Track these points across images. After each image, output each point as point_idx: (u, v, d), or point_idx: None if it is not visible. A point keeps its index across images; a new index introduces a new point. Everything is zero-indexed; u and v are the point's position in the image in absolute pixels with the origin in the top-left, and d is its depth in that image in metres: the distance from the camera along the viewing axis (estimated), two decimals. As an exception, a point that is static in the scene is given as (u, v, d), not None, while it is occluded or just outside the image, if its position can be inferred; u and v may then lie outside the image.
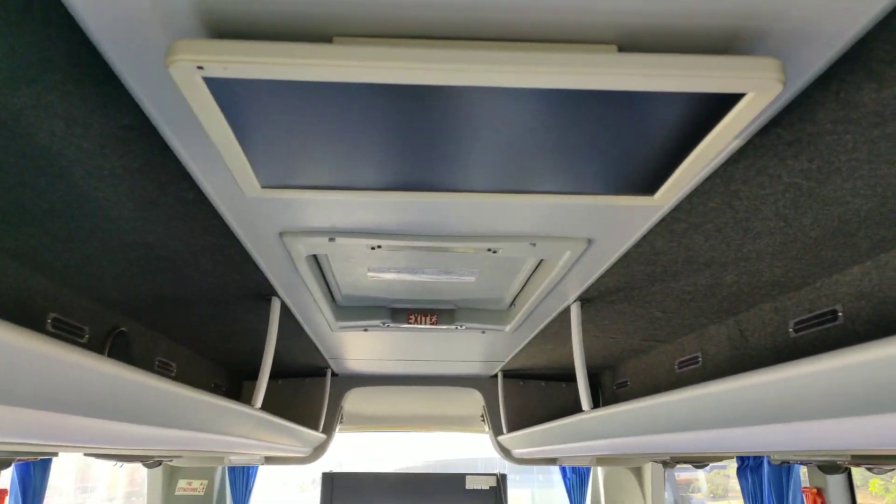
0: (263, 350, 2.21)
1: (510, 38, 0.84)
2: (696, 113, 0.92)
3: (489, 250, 1.62)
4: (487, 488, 4.28)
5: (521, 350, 3.15)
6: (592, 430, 2.35)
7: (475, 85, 0.83)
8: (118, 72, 0.91)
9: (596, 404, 2.21)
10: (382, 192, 1.20)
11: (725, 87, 0.82)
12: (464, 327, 2.53)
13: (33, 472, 2.66)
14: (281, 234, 1.55)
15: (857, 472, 2.80)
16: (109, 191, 1.28)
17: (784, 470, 2.90)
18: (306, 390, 3.98)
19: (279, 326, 2.33)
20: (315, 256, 1.90)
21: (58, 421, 1.26)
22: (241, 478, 4.35)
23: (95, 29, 0.82)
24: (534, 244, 1.58)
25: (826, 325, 1.79)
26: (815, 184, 1.24)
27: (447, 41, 0.83)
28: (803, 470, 2.88)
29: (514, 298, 2.35)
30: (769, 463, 2.97)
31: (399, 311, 2.48)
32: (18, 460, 2.31)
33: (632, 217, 1.43)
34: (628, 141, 1.01)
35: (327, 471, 4.33)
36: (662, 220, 1.44)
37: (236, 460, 3.85)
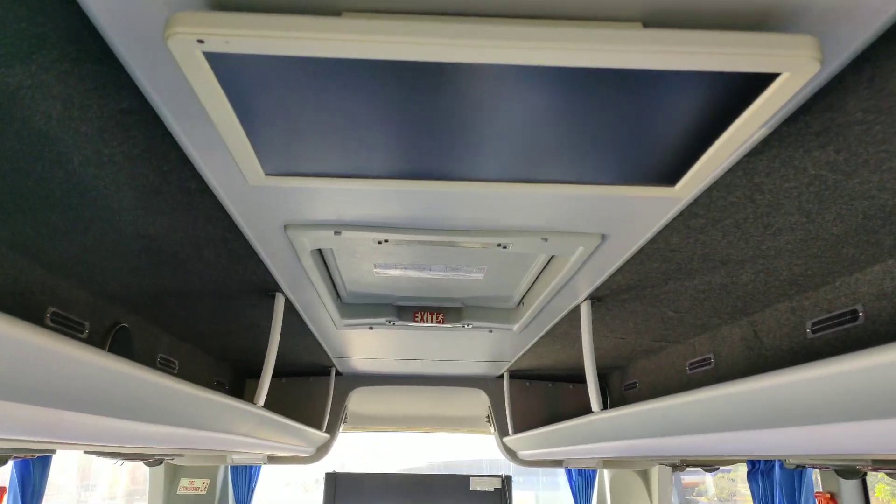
0: (267, 347, 2.17)
1: (528, 14, 0.79)
2: (722, 97, 0.87)
3: (499, 245, 1.58)
4: (492, 490, 4.23)
5: (528, 350, 3.10)
6: (602, 431, 2.30)
7: (490, 62, 0.78)
8: (116, 50, 0.86)
9: (604, 406, 2.17)
10: (390, 181, 1.15)
11: (759, 65, 0.77)
12: (471, 326, 2.49)
13: (32, 469, 2.63)
14: (285, 227, 1.51)
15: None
16: (109, 178, 1.23)
17: (796, 474, 2.84)
18: (310, 389, 3.95)
19: (284, 323, 2.29)
20: (320, 251, 1.86)
21: (56, 417, 1.23)
22: (244, 477, 4.31)
23: (92, 2, 0.78)
24: (545, 239, 1.53)
25: (846, 326, 1.74)
26: (841, 177, 1.19)
27: (461, 17, 0.79)
28: (816, 474, 2.83)
29: (523, 297, 2.31)
30: (781, 467, 2.91)
31: (405, 309, 2.44)
32: (15, 457, 2.28)
33: (648, 211, 1.38)
34: (649, 128, 0.96)
35: (331, 471, 4.28)
36: (680, 215, 1.39)
37: (239, 459, 3.82)
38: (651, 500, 4.13)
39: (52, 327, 1.77)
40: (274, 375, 3.90)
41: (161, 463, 3.66)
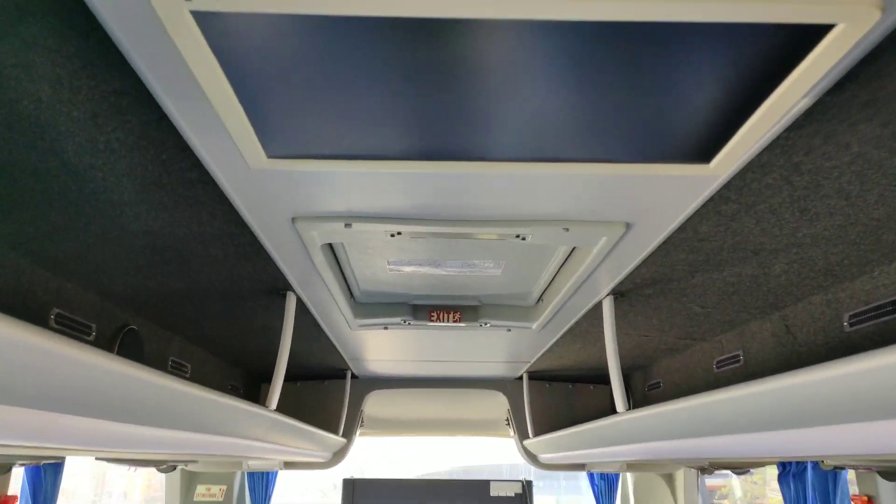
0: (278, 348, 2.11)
1: None
2: (764, 58, 0.79)
3: (517, 237, 1.50)
4: (512, 495, 4.15)
5: (547, 350, 3.02)
6: (626, 433, 2.22)
7: (504, 17, 0.70)
8: (104, 23, 0.80)
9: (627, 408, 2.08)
10: (402, 163, 1.08)
11: (810, 15, 0.69)
12: (489, 325, 2.41)
13: (44, 476, 2.59)
14: (293, 220, 1.44)
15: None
16: (107, 169, 1.17)
17: (830, 475, 2.73)
18: (326, 393, 3.89)
19: (297, 325, 2.24)
20: (331, 247, 1.79)
21: (61, 422, 1.19)
22: (261, 483, 4.27)
23: None
24: (567, 229, 1.45)
25: (885, 318, 1.65)
26: (886, 153, 1.10)
27: None
28: (851, 475, 2.71)
29: (542, 293, 2.23)
30: (814, 468, 2.80)
31: (421, 308, 2.38)
32: (21, 464, 2.23)
33: (679, 193, 1.29)
34: (682, 97, 0.88)
35: (348, 477, 4.23)
36: (710, 200, 1.31)
37: (255, 465, 3.78)
38: (676, 504, 4.03)
39: (56, 329, 1.72)
40: (289, 379, 3.88)
41: (174, 469, 3.62)
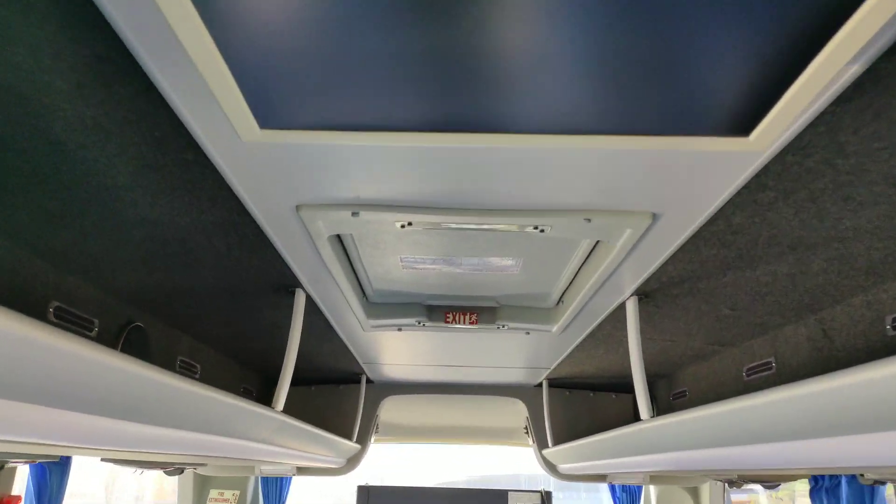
0: (287, 346, 2.03)
1: None
2: (809, 11, 0.70)
3: (536, 228, 1.41)
4: (531, 505, 4.04)
5: (568, 355, 2.92)
6: (651, 441, 2.11)
7: None
8: None
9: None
10: (412, 135, 0.97)
11: None
12: (506, 327, 2.32)
13: (49, 475, 2.54)
14: (297, 208, 1.36)
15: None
16: (97, 149, 1.11)
17: (868, 491, 2.58)
18: (341, 398, 3.83)
19: (308, 324, 2.16)
20: (341, 243, 1.72)
21: (56, 418, 1.13)
22: (275, 489, 4.21)
23: None
24: (589, 220, 1.36)
25: None
26: None
27: None
28: (889, 491, 2.56)
29: (563, 294, 2.14)
30: (849, 483, 2.65)
31: (436, 309, 2.29)
32: (14, 462, 2.18)
33: (713, 177, 1.17)
34: (718, 56, 0.79)
35: (363, 484, 4.15)
36: (745, 188, 1.21)
37: (267, 470, 3.72)
38: (701, 519, 3.88)
39: (55, 323, 1.66)
40: (303, 383, 3.82)
41: (181, 472, 3.57)
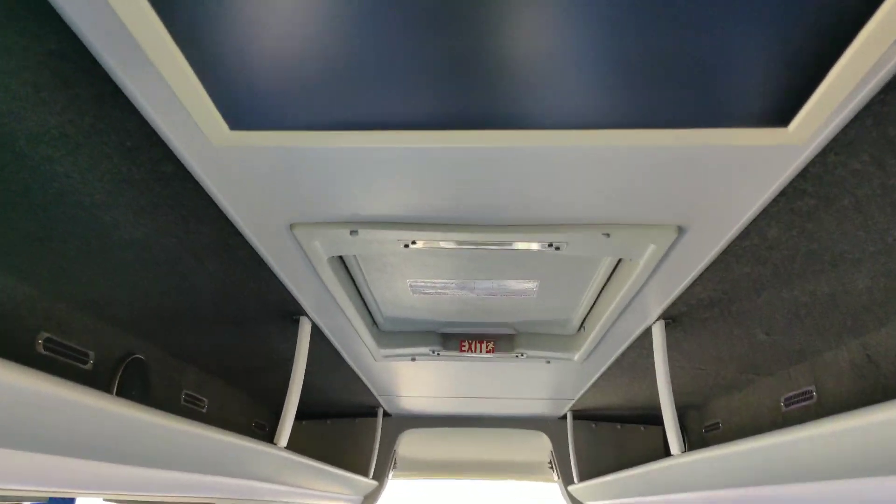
0: (291, 377, 1.93)
1: None
2: None
3: (551, 245, 1.30)
4: (557, 545, 3.85)
5: (592, 385, 2.78)
6: (683, 478, 1.97)
7: None
8: None
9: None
10: (411, 133, 0.85)
11: None
12: (525, 356, 2.21)
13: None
14: (291, 227, 1.27)
15: None
16: (67, 163, 1.02)
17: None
18: (357, 432, 3.70)
19: (316, 354, 2.06)
20: (345, 266, 1.62)
21: (43, 463, 1.07)
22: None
23: None
24: (608, 234, 1.24)
25: None
26: None
27: None
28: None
29: (584, 320, 2.02)
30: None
31: (450, 337, 2.19)
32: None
33: (747, 176, 1.05)
34: (751, 38, 0.69)
35: (382, 522, 4.00)
36: (782, 195, 1.09)
37: (282, 510, 3.59)
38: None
39: (45, 357, 1.58)
40: (318, 416, 3.69)
41: None
